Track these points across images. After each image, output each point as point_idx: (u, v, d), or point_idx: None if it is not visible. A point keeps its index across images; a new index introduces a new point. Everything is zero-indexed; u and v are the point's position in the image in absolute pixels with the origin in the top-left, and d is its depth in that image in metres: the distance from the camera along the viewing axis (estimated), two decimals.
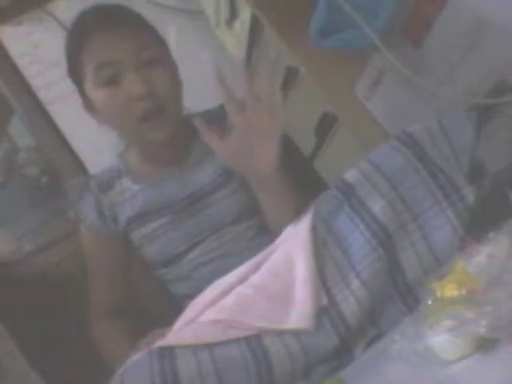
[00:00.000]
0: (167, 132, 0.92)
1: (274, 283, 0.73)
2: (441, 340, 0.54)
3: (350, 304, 0.69)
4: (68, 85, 1.26)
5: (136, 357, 0.67)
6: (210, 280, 0.86)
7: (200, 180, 1.00)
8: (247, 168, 0.85)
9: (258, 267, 0.76)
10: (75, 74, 0.94)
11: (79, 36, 0.90)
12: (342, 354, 0.70)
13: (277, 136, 0.83)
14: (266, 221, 0.96)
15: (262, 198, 0.91)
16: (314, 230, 0.73)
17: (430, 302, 0.55)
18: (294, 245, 0.75)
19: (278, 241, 0.80)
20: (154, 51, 0.91)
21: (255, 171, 0.85)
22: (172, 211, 0.99)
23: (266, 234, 0.97)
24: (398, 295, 0.71)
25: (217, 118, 0.93)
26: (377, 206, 0.70)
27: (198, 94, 1.17)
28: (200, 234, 0.99)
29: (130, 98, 0.87)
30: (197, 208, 1.00)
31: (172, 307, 1.02)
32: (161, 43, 0.96)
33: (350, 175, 0.73)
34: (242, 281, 0.75)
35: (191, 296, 0.91)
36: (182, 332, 0.70)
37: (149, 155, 1.03)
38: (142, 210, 1.00)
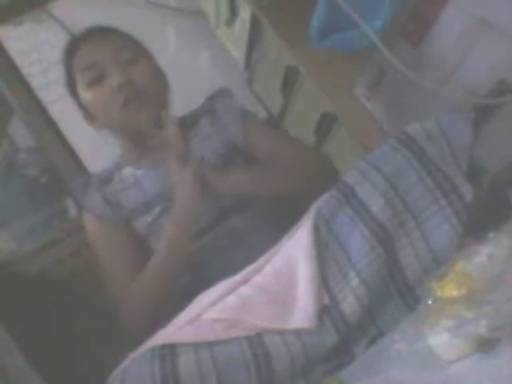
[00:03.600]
0: (149, 113, 1.00)
1: (276, 283, 0.74)
2: (441, 340, 0.54)
3: (349, 302, 0.69)
4: None
5: (137, 354, 0.67)
6: (215, 271, 0.88)
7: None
8: None
9: (261, 269, 0.77)
10: (70, 85, 1.06)
11: (70, 51, 1.05)
12: (342, 353, 0.70)
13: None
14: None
15: None
16: (315, 230, 0.74)
17: (430, 302, 0.55)
18: (296, 246, 0.75)
19: (280, 242, 0.80)
20: (130, 52, 1.03)
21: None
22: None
23: (274, 222, 1.00)
24: (397, 293, 0.71)
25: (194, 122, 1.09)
26: (376, 205, 0.70)
27: (198, 92, 1.17)
28: (204, 222, 1.00)
29: (112, 89, 0.98)
30: (202, 199, 1.00)
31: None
32: (137, 45, 1.08)
33: (350, 176, 0.74)
34: (244, 282, 0.75)
35: (195, 289, 0.92)
36: (183, 330, 0.70)
37: (148, 153, 1.07)
38: (148, 194, 1.03)
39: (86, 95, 1.03)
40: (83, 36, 1.06)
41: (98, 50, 1.01)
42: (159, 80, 1.07)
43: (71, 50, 1.05)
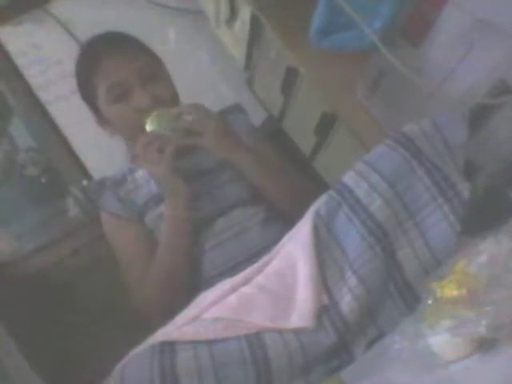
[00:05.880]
0: None
1: (276, 284, 0.74)
2: (441, 340, 0.54)
3: (348, 301, 0.70)
4: (68, 85, 1.25)
5: (137, 351, 0.68)
6: (220, 264, 0.94)
7: (205, 162, 1.10)
8: None
9: (261, 269, 0.77)
10: (88, 95, 1.09)
11: (90, 62, 1.06)
12: (341, 353, 0.70)
13: None
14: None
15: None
16: (315, 231, 0.74)
17: (430, 302, 0.56)
18: (296, 247, 0.76)
19: (280, 243, 0.81)
20: (152, 68, 1.07)
21: None
22: None
23: (275, 221, 1.04)
24: (396, 292, 0.71)
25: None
26: (373, 204, 0.71)
27: (197, 92, 1.17)
28: (208, 214, 1.04)
29: (138, 110, 1.03)
30: (204, 188, 1.06)
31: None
32: (156, 60, 1.12)
33: (347, 177, 0.74)
34: (245, 282, 0.76)
35: (199, 284, 0.93)
36: (183, 328, 0.71)
37: None
38: (157, 189, 1.08)
39: (108, 109, 1.06)
40: (103, 47, 1.07)
41: (124, 69, 1.03)
42: (175, 94, 1.12)
43: (92, 63, 1.06)
